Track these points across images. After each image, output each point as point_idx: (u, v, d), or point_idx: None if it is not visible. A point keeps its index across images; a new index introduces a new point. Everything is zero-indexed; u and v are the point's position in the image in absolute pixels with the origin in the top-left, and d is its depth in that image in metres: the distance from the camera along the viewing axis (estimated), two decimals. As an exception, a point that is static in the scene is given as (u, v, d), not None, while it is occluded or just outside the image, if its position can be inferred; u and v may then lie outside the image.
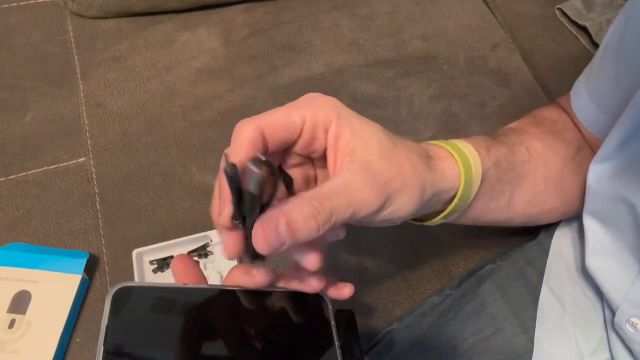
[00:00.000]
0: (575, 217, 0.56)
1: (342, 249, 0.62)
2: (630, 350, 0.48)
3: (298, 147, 0.35)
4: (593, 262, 0.49)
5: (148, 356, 0.29)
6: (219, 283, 0.36)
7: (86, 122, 0.70)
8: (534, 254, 0.57)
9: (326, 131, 0.34)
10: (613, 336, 0.49)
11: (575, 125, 0.52)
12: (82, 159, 0.67)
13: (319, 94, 0.35)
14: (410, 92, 0.74)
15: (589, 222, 0.49)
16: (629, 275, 0.45)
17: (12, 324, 0.54)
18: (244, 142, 0.32)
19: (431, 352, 0.53)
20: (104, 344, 0.28)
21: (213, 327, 0.32)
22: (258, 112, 0.34)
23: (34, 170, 0.66)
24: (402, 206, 0.35)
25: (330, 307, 0.35)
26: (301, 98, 0.35)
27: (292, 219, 0.30)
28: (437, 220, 0.43)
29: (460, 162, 0.40)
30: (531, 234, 0.60)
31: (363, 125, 0.35)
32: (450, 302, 0.56)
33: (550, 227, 0.59)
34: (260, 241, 0.30)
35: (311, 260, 0.33)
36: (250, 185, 0.30)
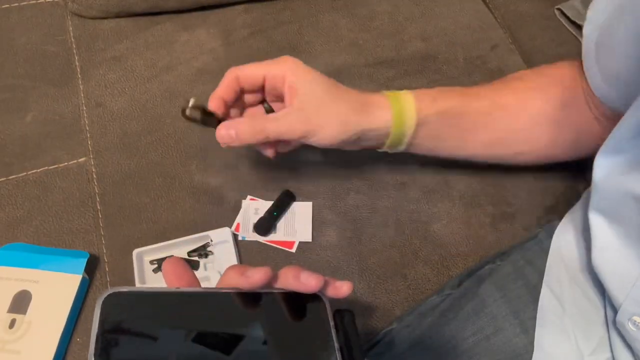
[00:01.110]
0: (575, 216, 0.56)
1: (342, 249, 0.62)
2: (631, 349, 0.48)
3: (267, 91, 0.53)
4: (598, 260, 0.49)
5: None
6: (215, 285, 0.35)
7: (86, 122, 0.70)
8: (533, 254, 0.57)
9: (283, 81, 0.50)
10: (614, 335, 0.49)
11: (583, 89, 0.55)
12: (82, 159, 0.67)
13: (289, 57, 0.51)
14: (410, 92, 0.74)
15: (595, 219, 0.48)
16: (632, 273, 0.45)
17: (12, 324, 0.54)
18: (224, 82, 0.51)
19: (431, 352, 0.53)
20: (94, 355, 0.27)
21: (208, 332, 0.31)
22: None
23: (34, 170, 0.66)
24: (326, 136, 0.50)
25: (329, 307, 0.34)
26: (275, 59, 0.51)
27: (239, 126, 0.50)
28: (385, 148, 0.55)
29: (394, 109, 0.52)
30: (531, 234, 0.60)
31: (311, 76, 0.50)
32: (450, 302, 0.56)
33: (550, 227, 0.59)
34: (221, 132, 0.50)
35: (269, 152, 0.54)
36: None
